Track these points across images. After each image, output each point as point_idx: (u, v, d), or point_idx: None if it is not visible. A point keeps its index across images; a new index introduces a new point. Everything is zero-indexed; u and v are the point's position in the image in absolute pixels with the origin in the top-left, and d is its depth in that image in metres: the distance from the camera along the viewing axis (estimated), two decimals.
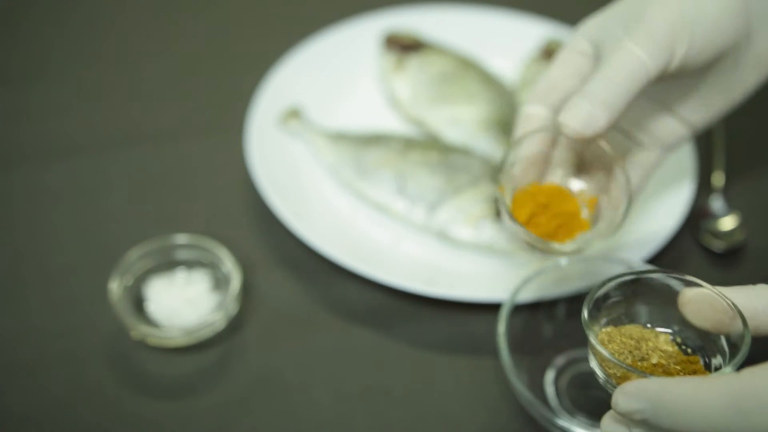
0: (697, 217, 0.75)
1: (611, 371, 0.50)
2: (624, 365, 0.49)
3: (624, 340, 0.53)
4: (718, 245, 0.73)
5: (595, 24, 0.60)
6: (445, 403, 0.63)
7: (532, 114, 0.61)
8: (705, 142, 0.81)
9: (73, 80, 0.89)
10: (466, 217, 0.72)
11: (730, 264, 0.73)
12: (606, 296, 0.54)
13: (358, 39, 0.88)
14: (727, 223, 0.75)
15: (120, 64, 0.91)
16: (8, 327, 0.67)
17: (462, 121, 0.80)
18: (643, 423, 0.45)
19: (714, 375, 0.49)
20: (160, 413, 0.62)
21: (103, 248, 0.73)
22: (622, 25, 0.58)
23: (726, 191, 0.77)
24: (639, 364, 0.51)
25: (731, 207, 0.76)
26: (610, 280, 0.54)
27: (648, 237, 0.70)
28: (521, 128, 0.61)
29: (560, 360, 0.64)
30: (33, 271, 0.71)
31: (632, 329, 0.54)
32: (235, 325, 0.68)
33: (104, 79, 0.89)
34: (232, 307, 0.67)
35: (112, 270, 0.67)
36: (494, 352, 0.66)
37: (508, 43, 0.88)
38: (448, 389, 0.64)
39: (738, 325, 0.49)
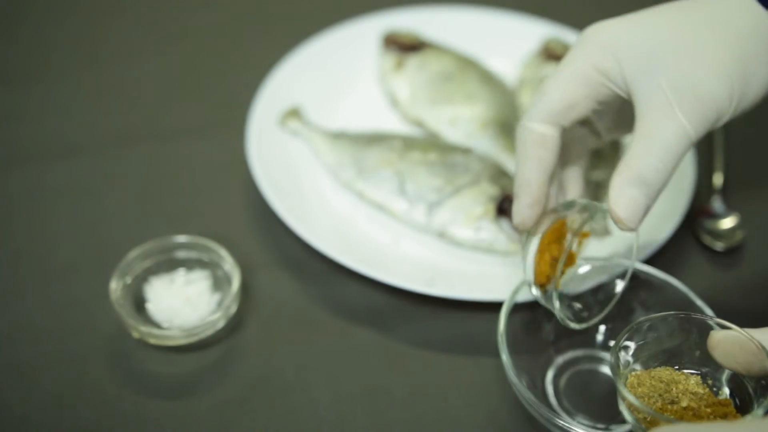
0: (697, 217, 0.75)
1: (640, 416, 0.50)
2: (652, 411, 0.49)
3: (654, 383, 0.52)
4: (718, 245, 0.73)
5: (622, 40, 0.55)
6: (445, 403, 0.63)
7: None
8: (705, 143, 0.81)
9: (73, 80, 0.89)
10: (466, 217, 0.72)
11: (729, 264, 0.73)
12: (634, 339, 0.54)
13: (358, 39, 0.88)
14: (727, 222, 0.75)
15: (120, 65, 0.91)
16: (8, 326, 0.67)
17: (462, 121, 0.80)
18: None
19: (742, 420, 0.49)
20: (160, 413, 0.62)
21: (103, 248, 0.73)
22: (666, 74, 0.53)
23: (725, 191, 0.77)
24: (669, 407, 0.51)
25: (731, 207, 0.76)
26: (638, 324, 0.54)
27: (648, 237, 0.70)
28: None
29: (560, 360, 0.64)
30: (33, 270, 0.71)
31: (662, 372, 0.53)
32: (235, 325, 0.68)
33: (104, 79, 0.89)
34: (232, 307, 0.67)
35: (112, 270, 0.67)
36: (494, 352, 0.66)
37: (508, 43, 0.88)
38: (448, 389, 0.64)
39: (766, 366, 0.49)
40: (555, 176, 0.61)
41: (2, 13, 0.96)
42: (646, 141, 0.54)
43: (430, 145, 0.77)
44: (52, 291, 0.70)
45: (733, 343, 0.51)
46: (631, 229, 0.55)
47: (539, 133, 0.58)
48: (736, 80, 0.54)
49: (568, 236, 0.58)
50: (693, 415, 0.51)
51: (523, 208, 0.59)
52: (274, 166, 0.76)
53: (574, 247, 0.61)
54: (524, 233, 0.61)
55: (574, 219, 0.58)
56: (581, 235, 0.62)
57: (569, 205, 0.60)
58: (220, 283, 0.68)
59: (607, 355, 0.51)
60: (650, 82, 0.54)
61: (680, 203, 0.72)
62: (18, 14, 0.96)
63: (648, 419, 0.49)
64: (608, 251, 0.64)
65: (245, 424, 0.62)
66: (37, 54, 0.92)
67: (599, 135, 0.64)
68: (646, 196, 0.54)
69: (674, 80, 0.54)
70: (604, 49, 0.56)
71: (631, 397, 0.50)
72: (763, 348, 0.50)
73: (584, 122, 0.62)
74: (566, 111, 0.58)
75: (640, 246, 0.69)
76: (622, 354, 0.54)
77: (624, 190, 0.54)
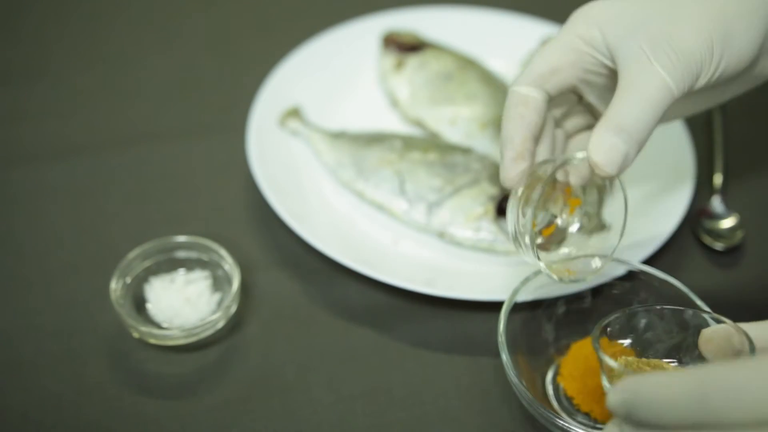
0: (697, 217, 0.75)
1: (614, 382, 0.50)
2: (618, 365, 0.49)
3: (640, 365, 0.53)
4: (717, 245, 0.73)
5: (608, 13, 0.58)
6: (445, 403, 0.63)
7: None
8: (705, 144, 0.81)
9: (74, 80, 0.89)
10: (466, 217, 0.72)
11: (729, 263, 0.73)
12: (629, 334, 0.55)
13: (358, 39, 0.88)
14: (727, 222, 0.75)
15: (120, 65, 0.91)
16: (9, 326, 0.67)
17: (462, 121, 0.80)
18: (629, 420, 0.46)
19: (687, 368, 0.49)
20: (160, 412, 0.62)
21: (103, 248, 0.73)
22: (646, 34, 0.56)
23: (725, 191, 0.77)
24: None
25: (731, 207, 0.76)
26: (632, 310, 0.54)
27: (648, 237, 0.70)
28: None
29: (560, 360, 0.64)
30: (34, 270, 0.71)
31: (653, 361, 0.54)
32: (235, 325, 0.68)
33: (104, 79, 0.89)
34: (232, 307, 0.67)
35: (112, 270, 0.67)
36: (494, 352, 0.66)
37: (508, 43, 0.88)
38: (448, 389, 0.64)
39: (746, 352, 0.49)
40: (543, 140, 0.62)
41: (3, 13, 0.96)
42: (626, 93, 0.56)
43: (430, 145, 0.77)
44: (52, 291, 0.70)
45: (722, 337, 0.52)
46: (610, 176, 0.56)
47: (522, 94, 0.59)
48: (716, 36, 0.56)
49: (539, 185, 0.58)
50: None
51: (507, 162, 0.59)
52: (274, 166, 0.76)
53: (559, 213, 0.62)
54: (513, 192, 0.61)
55: (546, 168, 0.59)
56: (568, 195, 0.62)
57: (547, 161, 0.61)
58: (220, 283, 0.69)
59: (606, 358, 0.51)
60: (631, 44, 0.56)
61: (680, 203, 0.72)
62: (19, 15, 0.96)
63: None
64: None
65: (245, 424, 0.62)
66: (37, 54, 0.92)
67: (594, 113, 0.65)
68: (625, 143, 0.55)
69: (653, 39, 0.56)
70: (589, 22, 0.58)
71: (606, 359, 0.51)
72: (747, 335, 0.50)
73: (578, 97, 0.64)
74: (549, 75, 0.59)
75: (639, 244, 0.69)
76: (613, 330, 0.55)
77: (603, 137, 0.55)
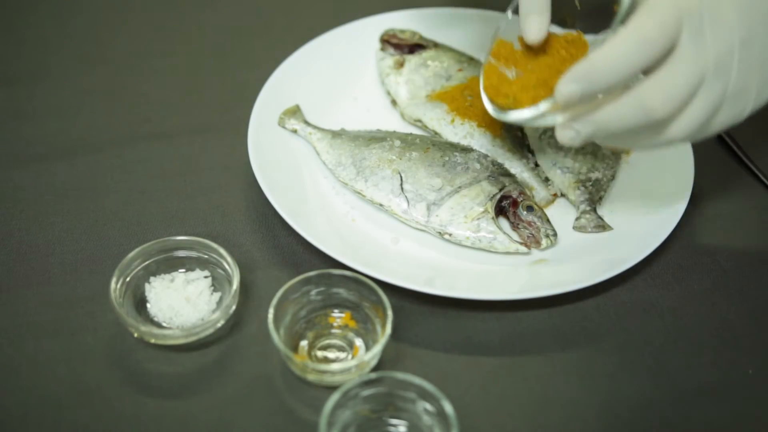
0: None
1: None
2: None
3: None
4: None
5: None
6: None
7: None
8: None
9: (74, 81, 0.89)
10: (466, 216, 0.72)
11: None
12: None
13: (358, 39, 0.88)
14: None
15: (121, 65, 0.91)
16: (8, 325, 0.67)
17: (462, 121, 0.80)
18: (581, 105, 0.57)
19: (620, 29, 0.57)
20: (160, 412, 0.62)
21: (103, 248, 0.73)
22: None
23: None
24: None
25: None
26: None
27: (648, 237, 0.70)
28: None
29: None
30: (33, 270, 0.71)
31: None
32: (234, 325, 0.68)
33: (105, 79, 0.89)
34: (232, 307, 0.67)
35: (112, 270, 0.67)
36: (494, 352, 0.66)
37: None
38: (449, 389, 0.64)
39: None
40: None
41: (7, 14, 0.97)
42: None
43: (429, 144, 0.77)
44: (52, 290, 0.70)
45: None
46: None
47: None
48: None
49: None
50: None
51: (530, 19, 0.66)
52: (274, 166, 0.76)
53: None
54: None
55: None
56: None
57: None
58: (219, 282, 0.69)
59: None
60: None
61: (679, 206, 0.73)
62: (21, 15, 0.96)
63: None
64: None
65: (245, 423, 0.62)
66: (39, 55, 0.92)
67: None
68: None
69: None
70: None
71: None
72: None
73: None
74: None
75: (639, 238, 0.69)
76: None
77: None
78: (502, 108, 0.67)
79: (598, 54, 0.56)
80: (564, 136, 0.60)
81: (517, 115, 0.64)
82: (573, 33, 0.67)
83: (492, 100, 0.68)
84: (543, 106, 0.61)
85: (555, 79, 0.59)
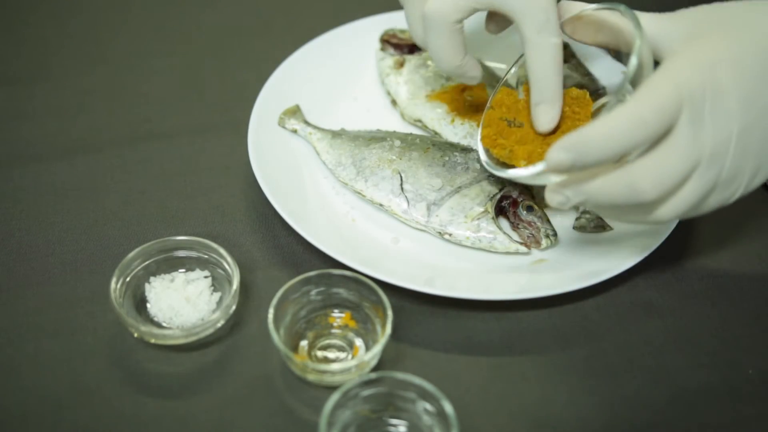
0: None
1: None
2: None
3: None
4: None
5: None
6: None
7: None
8: None
9: (75, 81, 0.89)
10: (466, 216, 0.72)
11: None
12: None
13: (357, 39, 0.88)
14: None
15: (121, 66, 0.91)
16: (8, 325, 0.67)
17: (461, 121, 0.80)
18: (572, 169, 0.56)
19: (613, 108, 0.57)
20: (160, 412, 0.62)
21: (103, 248, 0.73)
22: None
23: None
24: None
25: None
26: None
27: (648, 237, 0.70)
28: None
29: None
30: (33, 270, 0.71)
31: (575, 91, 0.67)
32: (234, 325, 0.68)
33: (105, 79, 0.89)
34: (232, 307, 0.67)
35: (112, 270, 0.67)
36: (494, 351, 0.66)
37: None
38: (449, 389, 0.64)
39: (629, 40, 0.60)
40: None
41: (7, 13, 0.97)
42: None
43: (429, 144, 0.77)
44: (52, 290, 0.70)
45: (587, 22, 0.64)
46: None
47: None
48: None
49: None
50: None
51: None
52: (274, 166, 0.76)
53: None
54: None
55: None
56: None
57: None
58: (219, 282, 0.69)
59: None
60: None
61: None
62: (21, 15, 0.96)
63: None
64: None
65: (245, 423, 0.62)
66: (39, 55, 0.92)
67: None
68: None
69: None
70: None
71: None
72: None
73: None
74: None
75: (637, 243, 0.69)
76: None
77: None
78: (498, 157, 0.67)
79: (592, 128, 0.55)
80: (553, 199, 0.59)
81: (513, 173, 0.64)
82: (578, 90, 0.67)
83: (488, 149, 0.68)
84: (539, 166, 0.60)
85: (553, 137, 0.59)
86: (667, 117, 0.55)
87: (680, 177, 0.56)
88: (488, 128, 0.69)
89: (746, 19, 0.59)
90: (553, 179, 0.60)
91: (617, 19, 0.63)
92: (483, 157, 0.68)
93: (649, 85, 0.55)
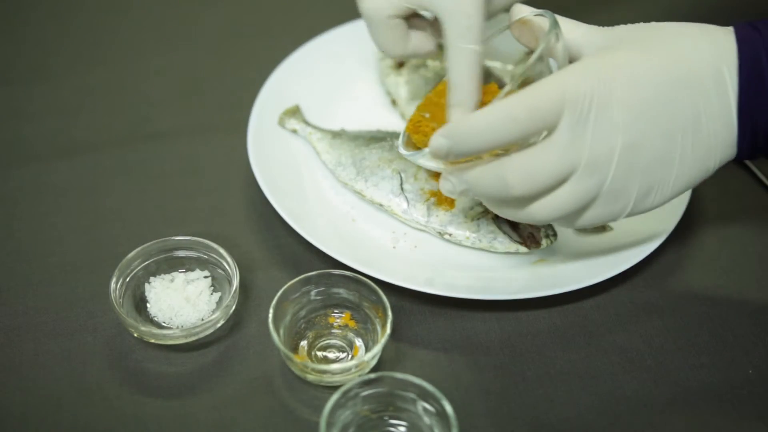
0: None
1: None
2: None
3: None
4: None
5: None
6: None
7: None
8: None
9: (75, 80, 0.89)
10: (466, 216, 0.72)
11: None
12: None
13: (358, 39, 0.88)
14: None
15: (121, 65, 0.91)
16: (8, 325, 0.67)
17: None
18: (451, 160, 0.57)
19: (494, 100, 0.57)
20: (160, 412, 0.62)
21: (103, 248, 0.73)
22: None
23: None
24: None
25: None
26: None
27: (648, 237, 0.70)
28: None
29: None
30: (33, 270, 0.71)
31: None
32: (234, 325, 0.68)
33: (105, 79, 0.89)
34: (232, 307, 0.67)
35: (112, 270, 0.67)
36: (494, 351, 0.66)
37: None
38: (448, 389, 0.64)
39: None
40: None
41: (7, 13, 0.97)
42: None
43: None
44: (52, 290, 0.70)
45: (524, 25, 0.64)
46: None
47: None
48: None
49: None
50: None
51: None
52: (274, 166, 0.76)
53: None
54: None
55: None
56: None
57: None
58: (219, 282, 0.69)
59: None
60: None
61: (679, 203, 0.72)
62: (22, 15, 0.96)
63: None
64: None
65: (245, 423, 0.62)
66: (39, 54, 0.92)
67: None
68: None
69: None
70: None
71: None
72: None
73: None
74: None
75: (636, 243, 0.69)
76: None
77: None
78: (416, 143, 0.67)
79: (470, 118, 0.56)
80: (443, 186, 0.60)
81: (408, 155, 0.64)
82: (498, 87, 0.67)
83: (411, 136, 0.68)
84: (425, 150, 0.61)
85: None
86: (540, 118, 0.55)
87: (551, 178, 0.57)
88: (414, 117, 0.69)
89: (665, 40, 0.59)
90: (441, 168, 0.61)
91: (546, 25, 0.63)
92: (400, 139, 0.68)
93: (535, 85, 0.56)
